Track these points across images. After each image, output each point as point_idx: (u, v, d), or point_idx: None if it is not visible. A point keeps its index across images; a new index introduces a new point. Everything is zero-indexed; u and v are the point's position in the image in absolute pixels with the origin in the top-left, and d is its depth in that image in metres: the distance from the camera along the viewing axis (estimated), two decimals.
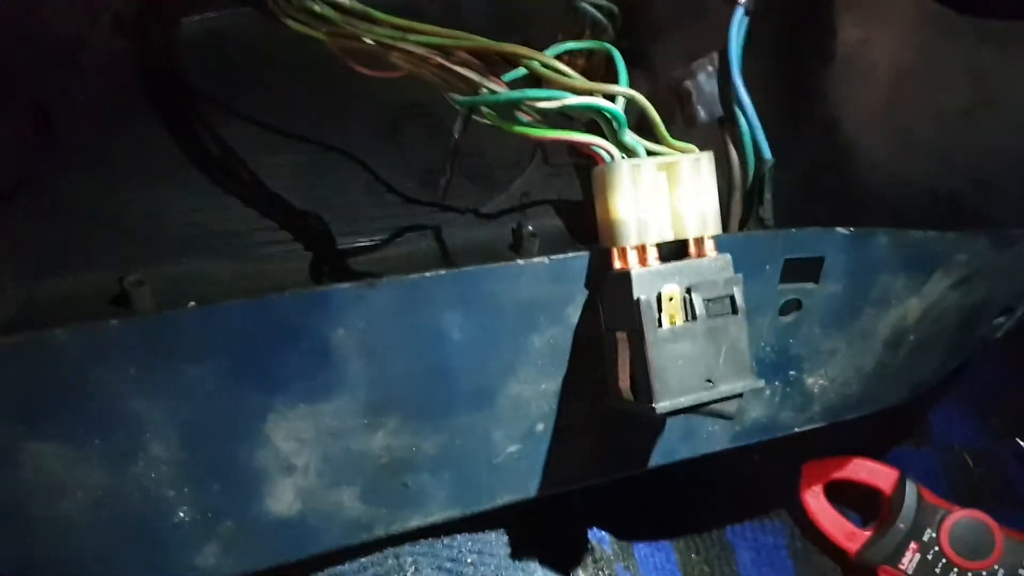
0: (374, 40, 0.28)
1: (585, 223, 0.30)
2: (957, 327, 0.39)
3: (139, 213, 0.37)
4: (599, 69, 0.33)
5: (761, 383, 0.30)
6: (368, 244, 0.40)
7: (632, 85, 0.28)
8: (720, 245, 0.30)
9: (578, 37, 0.34)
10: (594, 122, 0.29)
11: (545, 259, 0.29)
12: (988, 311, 0.40)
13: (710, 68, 0.32)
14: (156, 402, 0.26)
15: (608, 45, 0.29)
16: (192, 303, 0.26)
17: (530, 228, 0.36)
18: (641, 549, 0.42)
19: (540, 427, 0.31)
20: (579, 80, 0.27)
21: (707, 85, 0.32)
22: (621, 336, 0.29)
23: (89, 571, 0.26)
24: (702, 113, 0.32)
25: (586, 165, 0.29)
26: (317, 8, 0.28)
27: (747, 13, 0.31)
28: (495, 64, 0.28)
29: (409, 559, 0.33)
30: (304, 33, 0.29)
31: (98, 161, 0.37)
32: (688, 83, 0.32)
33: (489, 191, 0.42)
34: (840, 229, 0.33)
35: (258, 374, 0.27)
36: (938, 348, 0.40)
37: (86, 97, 0.35)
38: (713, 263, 0.29)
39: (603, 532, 0.41)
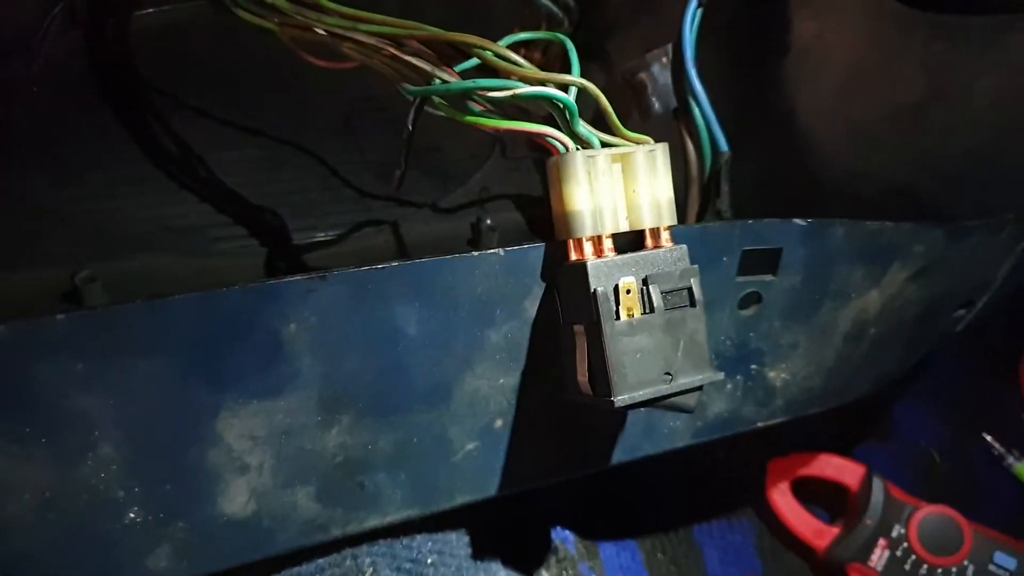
0: (325, 30, 0.28)
1: (545, 217, 0.30)
2: (917, 320, 0.39)
3: (91, 209, 0.36)
4: (555, 64, 0.33)
5: (721, 376, 0.29)
6: (324, 239, 0.39)
7: (590, 79, 0.28)
8: (676, 236, 0.30)
9: (534, 30, 0.34)
10: (551, 115, 0.29)
11: (500, 251, 0.29)
12: (948, 304, 0.41)
13: (664, 60, 0.32)
14: (104, 399, 0.25)
15: (561, 36, 0.29)
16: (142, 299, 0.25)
17: (489, 222, 0.35)
18: (606, 548, 0.42)
19: (499, 423, 0.31)
20: (531, 70, 0.27)
21: (661, 76, 0.32)
22: (579, 329, 0.29)
23: (36, 574, 0.25)
24: (656, 105, 0.32)
25: (545, 158, 0.29)
26: None
27: (700, 5, 0.31)
28: (448, 55, 0.28)
29: (367, 560, 0.33)
30: (256, 24, 0.29)
31: (50, 156, 0.36)
32: (642, 75, 0.32)
33: (447, 185, 0.42)
34: (797, 220, 0.33)
35: (209, 370, 0.26)
36: (899, 341, 0.40)
37: (38, 91, 0.35)
38: (669, 254, 0.29)
39: (567, 531, 0.40)
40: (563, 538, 0.40)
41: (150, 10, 0.39)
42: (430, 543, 0.34)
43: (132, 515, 0.26)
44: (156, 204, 0.37)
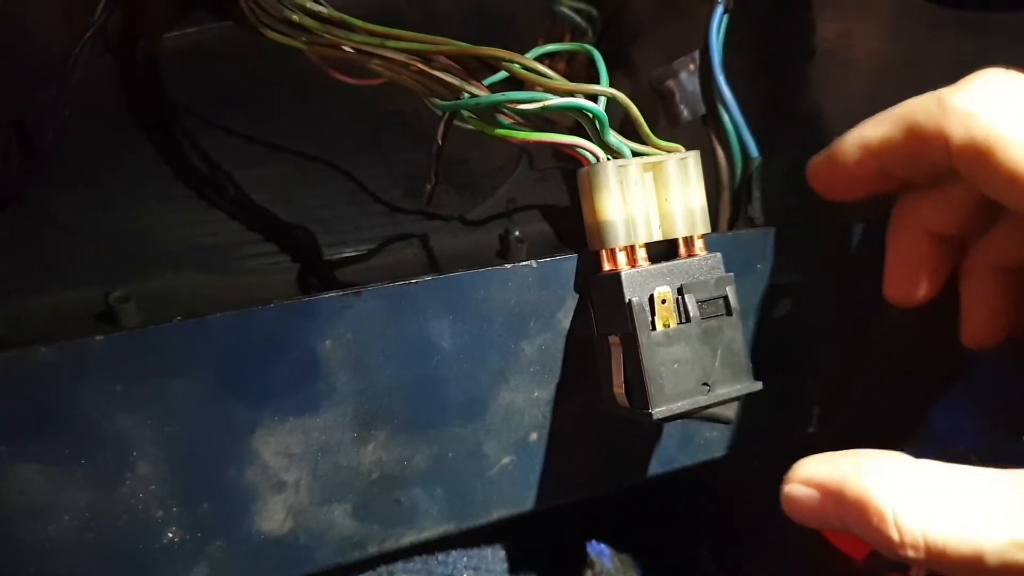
0: (353, 48, 0.28)
1: (574, 227, 0.30)
2: (951, 324, 0.39)
3: (124, 229, 0.36)
4: (580, 73, 0.33)
5: (759, 386, 0.29)
6: (354, 254, 0.39)
7: (614, 87, 0.28)
8: (710, 244, 0.29)
9: (558, 41, 0.34)
10: (578, 125, 0.29)
11: (533, 263, 0.29)
12: None
13: (691, 66, 0.32)
14: (143, 419, 0.25)
15: (588, 46, 0.29)
16: (178, 318, 0.26)
17: (517, 234, 0.35)
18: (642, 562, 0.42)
19: (534, 437, 0.30)
20: (560, 81, 0.27)
21: (689, 83, 0.32)
22: (614, 340, 0.28)
23: None
24: (685, 112, 0.32)
25: (572, 168, 0.29)
26: (296, 18, 0.28)
27: (726, 10, 0.31)
28: (475, 69, 0.28)
29: None
30: (284, 43, 0.29)
31: (82, 178, 0.37)
32: (670, 82, 0.32)
33: (475, 198, 0.42)
34: (830, 225, 0.33)
35: (245, 388, 0.26)
36: (936, 344, 0.39)
37: (70, 114, 0.35)
38: (704, 262, 0.29)
39: (603, 545, 0.40)
40: (599, 552, 0.39)
41: (178, 32, 0.39)
42: (465, 558, 0.34)
43: (170, 534, 0.26)
44: (187, 223, 0.38)
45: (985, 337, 0.31)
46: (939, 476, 0.25)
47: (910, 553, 0.24)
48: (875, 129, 0.28)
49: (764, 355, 0.34)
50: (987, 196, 0.26)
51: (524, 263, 0.29)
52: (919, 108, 0.26)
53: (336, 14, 0.28)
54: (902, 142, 0.27)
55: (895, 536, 0.24)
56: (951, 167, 0.26)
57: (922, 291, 0.31)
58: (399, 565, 0.33)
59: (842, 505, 0.25)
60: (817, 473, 0.26)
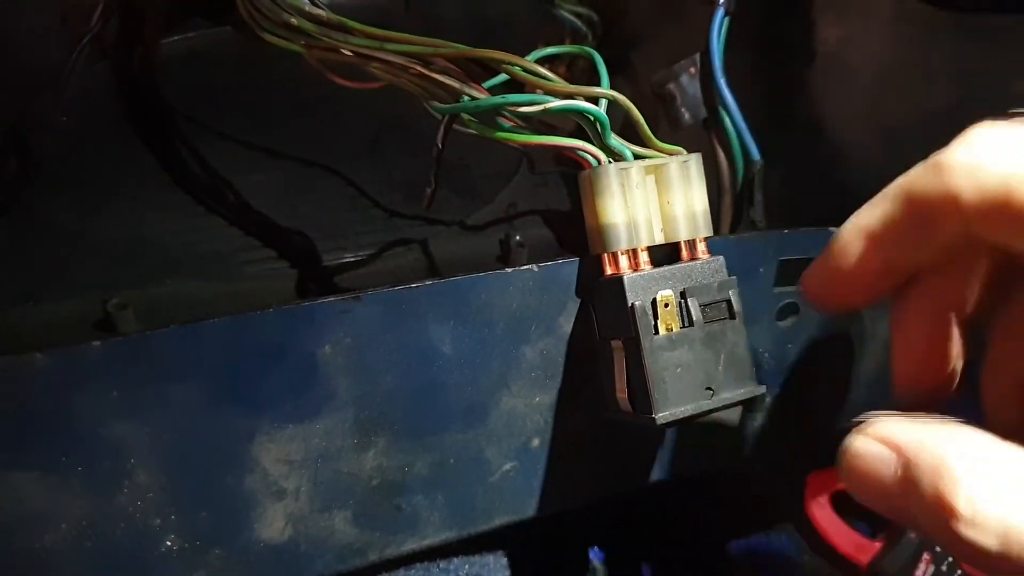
0: (352, 51, 0.28)
1: (575, 232, 0.29)
2: None
3: (122, 236, 0.36)
4: (581, 79, 0.33)
5: (762, 390, 0.29)
6: (354, 260, 0.39)
7: (615, 91, 0.28)
8: (712, 247, 0.29)
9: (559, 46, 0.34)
10: (579, 129, 0.28)
11: (534, 267, 0.28)
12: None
13: (692, 70, 0.31)
14: (140, 426, 0.25)
15: (589, 49, 0.29)
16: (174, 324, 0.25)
17: (518, 239, 0.35)
18: (644, 569, 0.41)
19: (536, 443, 0.30)
20: (560, 83, 0.27)
21: (690, 87, 0.32)
22: (617, 345, 0.28)
23: None
24: (686, 115, 0.32)
25: (573, 173, 0.29)
26: (294, 21, 0.28)
27: (727, 13, 0.31)
28: (475, 72, 0.28)
29: None
30: (282, 47, 0.29)
31: (79, 185, 0.36)
32: (671, 85, 0.32)
33: (475, 203, 0.42)
34: (833, 229, 0.32)
35: (244, 394, 0.26)
36: None
37: (67, 121, 0.35)
38: (706, 266, 0.28)
39: (604, 552, 0.40)
40: (600, 558, 0.39)
41: (176, 38, 0.39)
42: (467, 566, 0.34)
43: (169, 543, 0.26)
44: (185, 230, 0.38)
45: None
46: None
47: (980, 541, 0.19)
48: (872, 212, 0.24)
49: (766, 359, 0.34)
50: (1005, 262, 0.23)
51: (525, 267, 0.28)
52: (916, 177, 0.23)
53: (334, 17, 0.28)
54: (906, 218, 0.23)
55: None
56: (966, 233, 0.22)
57: (947, 381, 0.25)
58: (400, 572, 0.32)
59: (912, 473, 0.20)
60: (897, 433, 0.22)
